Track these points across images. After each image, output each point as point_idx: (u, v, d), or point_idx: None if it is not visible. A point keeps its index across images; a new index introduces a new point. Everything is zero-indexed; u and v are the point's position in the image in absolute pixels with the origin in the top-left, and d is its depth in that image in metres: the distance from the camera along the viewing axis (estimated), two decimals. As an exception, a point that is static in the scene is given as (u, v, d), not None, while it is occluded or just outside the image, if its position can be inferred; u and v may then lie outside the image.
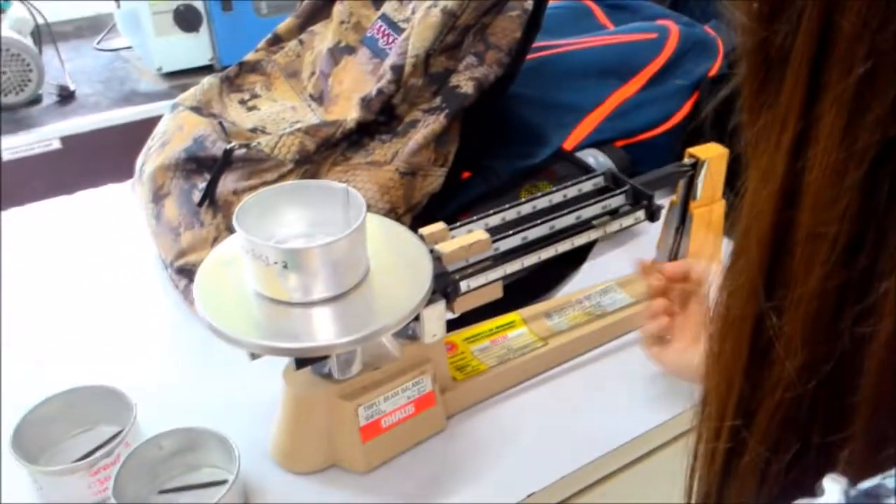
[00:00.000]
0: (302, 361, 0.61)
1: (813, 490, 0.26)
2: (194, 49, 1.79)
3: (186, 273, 0.79)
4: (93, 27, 2.06)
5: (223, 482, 0.65)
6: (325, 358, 0.62)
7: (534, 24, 0.82)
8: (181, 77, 1.80)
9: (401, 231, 0.64)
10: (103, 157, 1.49)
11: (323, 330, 0.57)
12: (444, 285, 0.63)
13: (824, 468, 0.27)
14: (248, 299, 0.58)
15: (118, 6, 1.85)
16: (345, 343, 0.56)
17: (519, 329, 0.77)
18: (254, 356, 0.61)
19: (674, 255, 0.82)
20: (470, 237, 0.66)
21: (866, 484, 0.21)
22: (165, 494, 0.64)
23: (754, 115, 0.27)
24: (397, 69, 0.78)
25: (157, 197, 0.82)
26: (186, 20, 1.74)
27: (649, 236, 0.75)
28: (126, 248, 0.94)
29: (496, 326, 0.77)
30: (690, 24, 1.00)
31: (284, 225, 0.61)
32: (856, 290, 0.25)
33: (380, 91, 0.78)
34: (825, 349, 0.26)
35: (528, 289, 0.81)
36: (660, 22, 0.99)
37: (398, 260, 0.62)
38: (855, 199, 0.24)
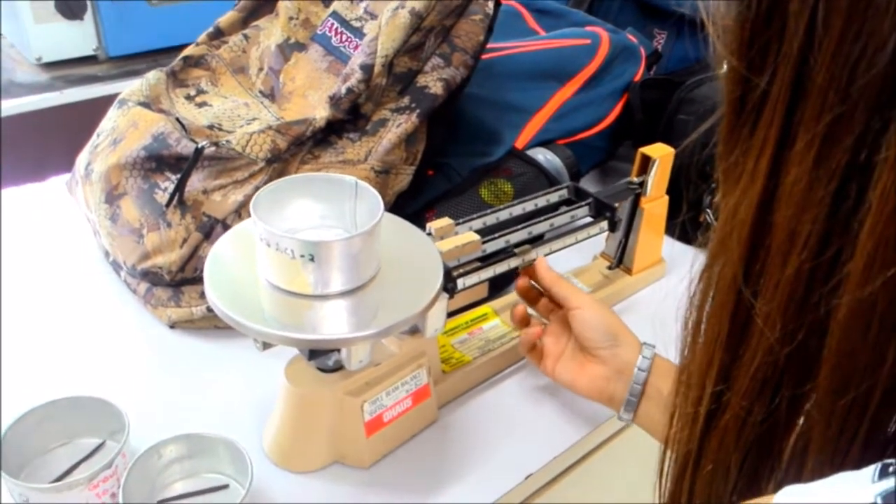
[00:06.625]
0: (313, 353, 0.62)
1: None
2: (77, 38, 1.68)
3: (153, 276, 0.76)
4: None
5: (223, 487, 0.64)
6: (334, 350, 0.62)
7: (491, 27, 0.85)
8: (63, 67, 1.68)
9: (405, 226, 0.66)
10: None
11: (342, 322, 0.57)
12: (445, 281, 0.65)
13: (793, 418, 0.35)
14: (261, 290, 0.58)
15: (-14, -11, 1.70)
16: (366, 335, 0.57)
17: (492, 321, 0.80)
18: (265, 346, 0.60)
19: (622, 248, 0.88)
20: (463, 237, 0.68)
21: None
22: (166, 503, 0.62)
23: (730, 146, 0.35)
24: (367, 68, 0.78)
25: (112, 197, 0.78)
26: (69, 7, 1.62)
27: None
28: (64, 248, 0.88)
29: (470, 319, 0.80)
30: (615, 30, 1.07)
31: (290, 217, 0.61)
32: (824, 273, 0.32)
33: (349, 90, 0.78)
34: (798, 320, 0.33)
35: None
36: (590, 28, 1.05)
37: (406, 255, 0.63)
38: (824, 207, 0.31)
